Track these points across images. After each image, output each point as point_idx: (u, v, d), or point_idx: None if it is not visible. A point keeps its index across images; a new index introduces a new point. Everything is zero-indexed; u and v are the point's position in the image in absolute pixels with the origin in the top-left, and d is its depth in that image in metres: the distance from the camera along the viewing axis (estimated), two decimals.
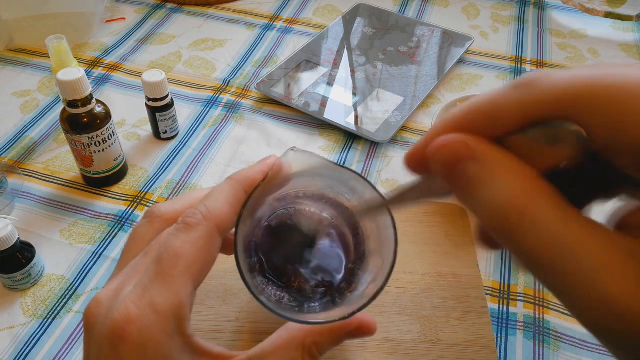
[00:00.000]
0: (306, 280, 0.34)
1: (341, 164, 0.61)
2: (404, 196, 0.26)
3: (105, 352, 0.22)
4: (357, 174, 0.31)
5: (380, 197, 0.29)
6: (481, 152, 0.18)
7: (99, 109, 0.54)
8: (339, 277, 0.34)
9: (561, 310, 0.49)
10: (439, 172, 0.19)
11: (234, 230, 0.28)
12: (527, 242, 0.17)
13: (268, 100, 0.71)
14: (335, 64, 0.76)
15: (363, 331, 0.28)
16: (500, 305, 0.49)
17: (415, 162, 0.22)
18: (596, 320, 0.16)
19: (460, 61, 0.79)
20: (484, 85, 0.76)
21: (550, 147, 0.18)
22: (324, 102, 0.69)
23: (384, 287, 0.29)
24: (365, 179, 0.32)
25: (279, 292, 0.33)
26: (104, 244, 0.53)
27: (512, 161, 0.18)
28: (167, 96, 0.62)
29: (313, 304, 0.33)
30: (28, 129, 0.66)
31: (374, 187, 0.30)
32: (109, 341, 0.22)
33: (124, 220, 0.56)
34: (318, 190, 0.35)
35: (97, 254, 0.52)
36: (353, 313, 0.28)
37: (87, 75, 0.52)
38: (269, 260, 0.34)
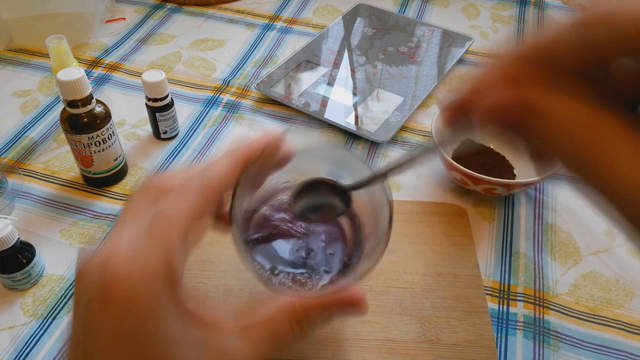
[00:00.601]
0: (303, 270, 0.34)
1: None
2: (399, 166, 0.28)
3: (93, 309, 0.22)
4: (356, 154, 0.32)
5: (375, 171, 0.30)
6: (546, 112, 0.18)
7: (99, 109, 0.54)
8: (336, 267, 0.35)
9: (561, 311, 0.49)
10: (495, 128, 0.19)
11: (228, 208, 0.28)
12: (608, 186, 0.17)
13: (268, 100, 0.71)
14: (336, 64, 0.76)
15: (354, 306, 0.27)
16: (500, 305, 0.49)
17: (455, 114, 0.22)
18: None
19: (460, 61, 0.79)
20: None
21: None
22: (324, 102, 0.69)
23: (377, 263, 0.29)
24: (363, 161, 0.32)
25: (275, 276, 0.34)
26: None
27: (578, 113, 0.17)
28: (167, 96, 0.62)
29: (309, 288, 0.33)
30: (28, 129, 0.66)
31: (370, 168, 0.31)
32: (98, 298, 0.22)
33: None
34: (317, 175, 0.35)
35: None
36: (344, 286, 0.29)
37: (87, 75, 0.52)
38: (270, 246, 0.35)
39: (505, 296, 0.50)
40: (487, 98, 0.19)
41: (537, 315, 0.48)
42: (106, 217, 0.56)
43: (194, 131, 0.67)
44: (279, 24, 0.87)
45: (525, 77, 0.19)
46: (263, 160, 0.29)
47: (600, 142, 0.17)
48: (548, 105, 0.18)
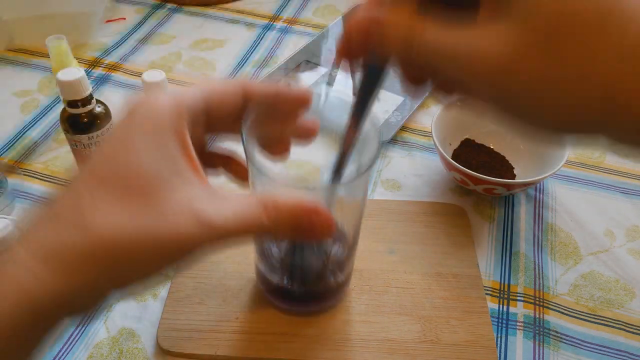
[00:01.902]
0: None
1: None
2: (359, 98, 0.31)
3: (123, 117, 0.27)
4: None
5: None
6: (383, 20, 0.25)
7: (99, 109, 0.54)
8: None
9: (561, 311, 0.49)
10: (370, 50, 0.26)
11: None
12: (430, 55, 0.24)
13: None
14: (335, 64, 0.76)
15: (318, 216, 0.27)
16: (500, 305, 0.49)
17: (344, 48, 0.29)
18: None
19: None
20: None
21: None
22: None
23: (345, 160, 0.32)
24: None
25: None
26: None
27: (402, 17, 0.25)
28: None
29: None
30: (28, 129, 0.66)
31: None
32: (128, 109, 0.27)
33: None
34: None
35: None
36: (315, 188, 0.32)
37: (87, 75, 0.52)
38: None
39: (505, 296, 0.50)
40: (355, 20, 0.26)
41: (537, 315, 0.48)
42: None
43: None
44: (279, 24, 0.87)
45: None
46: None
47: (417, 27, 0.24)
48: (387, 16, 0.25)
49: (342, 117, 0.35)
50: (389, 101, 0.69)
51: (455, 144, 0.61)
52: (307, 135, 0.34)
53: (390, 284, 0.49)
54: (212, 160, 0.33)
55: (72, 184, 0.26)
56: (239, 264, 0.50)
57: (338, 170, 0.33)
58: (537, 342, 0.47)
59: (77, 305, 0.25)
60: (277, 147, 0.34)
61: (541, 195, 0.59)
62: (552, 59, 0.20)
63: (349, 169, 0.35)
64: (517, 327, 0.48)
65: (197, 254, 0.25)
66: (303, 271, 0.43)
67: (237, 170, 0.34)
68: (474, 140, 0.61)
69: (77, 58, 0.65)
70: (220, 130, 0.32)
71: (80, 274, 0.23)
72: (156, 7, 0.89)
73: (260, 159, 0.34)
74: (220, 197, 0.26)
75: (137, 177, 0.24)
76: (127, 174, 0.24)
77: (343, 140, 0.32)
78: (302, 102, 0.32)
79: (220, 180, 0.34)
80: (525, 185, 0.54)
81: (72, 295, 0.23)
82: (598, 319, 0.48)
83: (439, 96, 0.29)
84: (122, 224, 0.23)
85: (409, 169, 0.62)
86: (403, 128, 0.67)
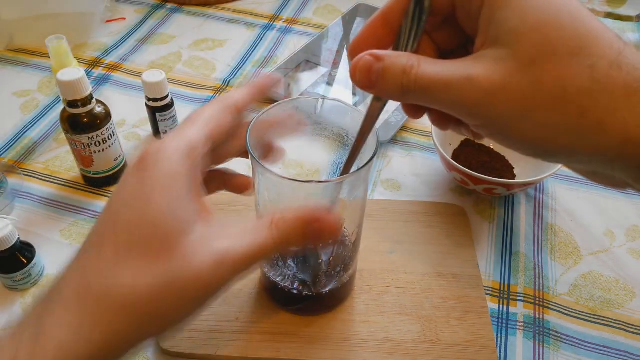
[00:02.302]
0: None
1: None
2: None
3: (131, 169, 0.28)
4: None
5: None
6: (380, 56, 0.26)
7: (99, 109, 0.54)
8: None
9: (561, 311, 0.49)
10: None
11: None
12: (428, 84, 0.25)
13: (268, 100, 0.71)
14: (335, 64, 0.76)
15: (324, 220, 0.28)
16: (500, 305, 0.49)
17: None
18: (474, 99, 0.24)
19: None
20: None
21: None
22: None
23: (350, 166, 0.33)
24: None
25: None
26: None
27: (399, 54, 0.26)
28: (167, 96, 0.61)
29: None
30: (28, 129, 0.66)
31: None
32: (137, 161, 0.28)
33: None
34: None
35: None
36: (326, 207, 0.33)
37: (87, 75, 0.52)
38: None
39: (505, 296, 0.50)
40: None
41: (537, 315, 0.48)
42: None
43: None
44: (279, 24, 0.87)
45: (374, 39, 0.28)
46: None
47: (412, 59, 0.25)
48: (385, 53, 0.26)
49: (338, 121, 0.36)
50: (389, 101, 0.69)
51: (455, 144, 0.61)
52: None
53: (390, 284, 0.49)
54: (211, 184, 0.35)
55: (94, 239, 0.27)
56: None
57: (347, 165, 0.33)
58: (537, 342, 0.47)
59: (112, 357, 0.25)
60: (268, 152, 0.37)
61: (541, 195, 0.59)
62: (534, 82, 0.23)
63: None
64: (517, 327, 0.48)
65: (222, 292, 0.27)
66: (308, 272, 0.44)
67: (238, 183, 0.36)
68: (474, 140, 0.61)
69: (77, 58, 0.65)
70: (222, 160, 0.34)
71: (115, 324, 0.24)
72: (156, 7, 0.89)
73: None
74: (232, 229, 0.27)
75: (157, 228, 0.25)
76: (147, 227, 0.25)
77: (355, 140, 0.32)
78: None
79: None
80: (525, 185, 0.54)
81: (108, 347, 0.24)
82: (598, 319, 0.48)
83: (436, 127, 0.31)
84: (147, 278, 0.24)
85: (409, 169, 0.62)
86: (403, 128, 0.67)
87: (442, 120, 0.30)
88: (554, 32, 0.22)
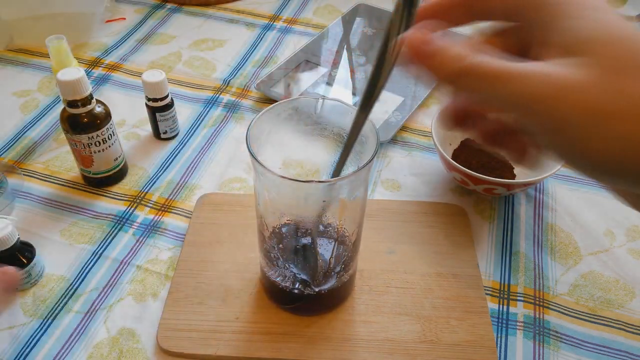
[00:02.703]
0: None
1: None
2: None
3: None
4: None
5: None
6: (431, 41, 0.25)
7: (99, 109, 0.54)
8: None
9: (561, 311, 0.49)
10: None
11: None
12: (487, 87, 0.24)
13: (268, 100, 0.71)
14: (335, 64, 0.76)
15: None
16: (500, 305, 0.49)
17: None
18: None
19: None
20: None
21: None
22: None
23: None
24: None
25: None
26: (104, 244, 0.53)
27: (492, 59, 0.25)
28: (167, 96, 0.62)
29: None
30: (28, 129, 0.66)
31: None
32: None
33: (123, 220, 0.56)
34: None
35: (97, 254, 0.52)
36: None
37: (87, 75, 0.52)
38: None
39: (505, 296, 0.50)
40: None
41: (537, 315, 0.48)
42: (106, 217, 0.56)
43: (194, 131, 0.67)
44: (279, 24, 0.87)
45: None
46: None
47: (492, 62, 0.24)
48: (476, 57, 0.25)
49: (338, 121, 0.36)
50: (388, 101, 0.69)
51: (455, 144, 0.61)
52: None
53: (390, 284, 0.49)
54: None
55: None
56: (239, 264, 0.50)
57: (341, 161, 0.33)
58: (537, 342, 0.47)
59: None
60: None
61: (541, 195, 0.59)
62: (617, 91, 0.22)
63: (349, 169, 0.35)
64: (517, 327, 0.48)
65: None
66: (308, 272, 0.44)
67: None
68: (474, 140, 0.61)
69: (77, 58, 0.65)
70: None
71: None
72: (156, 7, 0.89)
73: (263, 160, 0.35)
74: None
75: None
76: None
77: (351, 125, 0.32)
78: None
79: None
80: (525, 185, 0.54)
81: None
82: (598, 319, 0.48)
83: (480, 142, 0.30)
84: None
85: (409, 169, 0.62)
86: (403, 128, 0.67)
87: (489, 132, 0.29)
88: (635, 46, 0.22)
